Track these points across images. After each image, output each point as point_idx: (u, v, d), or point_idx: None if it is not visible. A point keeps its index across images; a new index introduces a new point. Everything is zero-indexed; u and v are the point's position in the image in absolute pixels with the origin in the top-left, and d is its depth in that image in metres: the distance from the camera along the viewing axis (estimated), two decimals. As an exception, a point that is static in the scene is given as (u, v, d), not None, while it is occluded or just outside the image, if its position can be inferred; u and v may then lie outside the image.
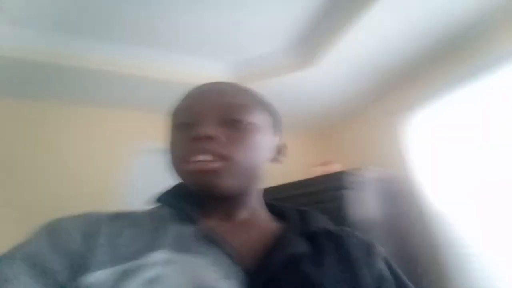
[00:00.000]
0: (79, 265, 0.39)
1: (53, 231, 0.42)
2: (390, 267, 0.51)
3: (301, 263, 0.45)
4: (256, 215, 0.54)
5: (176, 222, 0.47)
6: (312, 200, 1.87)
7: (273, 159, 0.57)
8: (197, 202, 0.51)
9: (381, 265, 0.50)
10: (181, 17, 1.81)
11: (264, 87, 2.26)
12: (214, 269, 0.41)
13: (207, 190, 0.47)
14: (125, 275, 0.38)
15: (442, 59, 2.06)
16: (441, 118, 2.01)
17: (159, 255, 0.40)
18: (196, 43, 2.03)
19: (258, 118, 0.52)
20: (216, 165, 0.45)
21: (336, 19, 1.82)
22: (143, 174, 2.20)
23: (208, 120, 0.48)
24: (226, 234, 0.47)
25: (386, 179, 2.09)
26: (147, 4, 1.70)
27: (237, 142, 0.48)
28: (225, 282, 0.39)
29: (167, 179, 0.56)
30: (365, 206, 1.83)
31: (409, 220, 2.04)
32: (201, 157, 0.46)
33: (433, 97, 2.06)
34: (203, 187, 0.47)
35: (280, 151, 0.60)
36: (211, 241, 0.44)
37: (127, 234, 0.44)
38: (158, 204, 0.53)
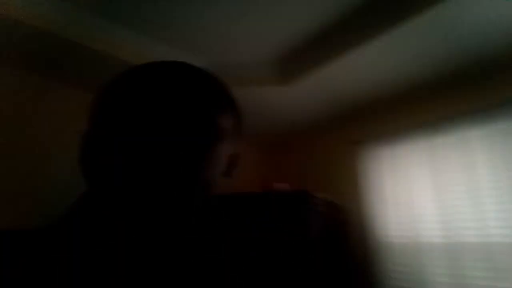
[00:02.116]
0: None
1: None
2: None
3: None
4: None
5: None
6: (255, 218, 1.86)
7: (225, 173, 0.45)
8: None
9: None
10: (174, 6, 1.67)
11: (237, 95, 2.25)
12: None
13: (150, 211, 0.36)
14: None
15: (412, 103, 2.25)
16: (405, 157, 2.19)
17: None
18: (183, 36, 1.91)
19: (226, 122, 0.41)
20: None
21: (324, 48, 1.88)
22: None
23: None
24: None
25: (334, 207, 2.19)
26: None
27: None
28: None
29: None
30: (311, 229, 1.85)
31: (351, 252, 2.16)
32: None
33: (402, 136, 2.25)
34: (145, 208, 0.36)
35: (233, 162, 0.47)
36: None
37: None
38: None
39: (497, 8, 1.42)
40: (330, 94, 2.23)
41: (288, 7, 1.63)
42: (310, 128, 2.79)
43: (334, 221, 2.13)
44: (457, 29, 1.57)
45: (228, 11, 1.68)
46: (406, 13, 1.51)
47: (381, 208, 2.18)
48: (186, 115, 0.36)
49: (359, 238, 2.21)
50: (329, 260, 1.92)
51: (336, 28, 1.76)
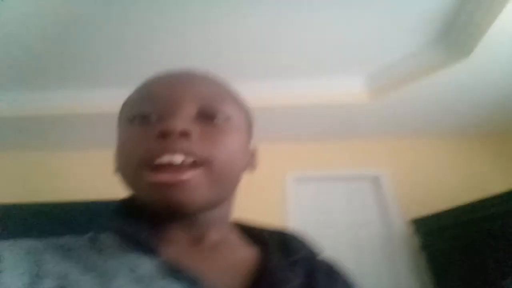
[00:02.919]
0: None
1: None
2: None
3: None
4: (229, 238, 0.44)
5: (128, 253, 0.34)
6: None
7: (247, 166, 0.46)
8: (154, 222, 0.38)
9: None
10: (309, 41, 1.84)
11: (411, 91, 2.09)
12: None
13: (175, 207, 0.34)
14: None
15: None
16: None
17: None
18: (327, 63, 2.04)
19: (236, 115, 0.42)
20: (187, 175, 0.34)
21: None
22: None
23: (181, 111, 0.37)
24: (196, 264, 0.35)
25: None
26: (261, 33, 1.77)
27: (216, 141, 0.37)
28: None
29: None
30: None
31: None
32: (170, 158, 0.34)
33: None
34: (168, 205, 0.34)
35: (253, 156, 0.49)
36: (182, 277, 0.32)
37: (75, 273, 0.30)
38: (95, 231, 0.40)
39: None
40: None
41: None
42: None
43: None
44: None
45: (358, 22, 1.72)
46: None
47: None
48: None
49: None
50: None
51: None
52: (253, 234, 0.47)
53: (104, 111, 2.11)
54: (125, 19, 1.69)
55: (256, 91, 2.06)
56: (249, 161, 0.47)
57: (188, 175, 0.34)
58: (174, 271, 0.32)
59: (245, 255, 0.41)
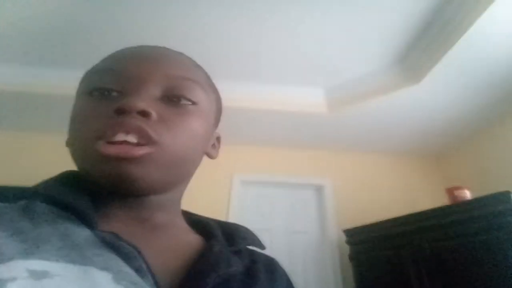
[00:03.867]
0: None
1: None
2: None
3: (233, 284, 0.35)
4: (175, 221, 0.42)
5: (63, 222, 0.31)
6: (450, 233, 1.67)
7: (207, 152, 0.46)
8: (95, 197, 0.35)
9: None
10: (275, 48, 1.89)
11: (365, 108, 2.20)
12: None
13: (121, 184, 0.33)
14: None
15: None
16: None
17: (34, 264, 0.24)
18: (290, 71, 2.09)
19: (205, 100, 0.41)
20: (142, 151, 0.33)
21: (441, 26, 1.66)
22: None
23: (144, 90, 0.36)
24: (137, 240, 0.32)
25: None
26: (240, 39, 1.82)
27: (173, 125, 0.36)
28: None
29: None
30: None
31: None
32: (124, 137, 0.32)
33: None
34: (117, 180, 0.33)
35: (215, 143, 0.49)
36: (118, 248, 0.29)
37: (1, 237, 0.27)
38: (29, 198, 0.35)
39: None
40: (472, 75, 1.86)
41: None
42: (463, 123, 2.36)
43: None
44: None
45: (323, 38, 1.81)
46: None
47: None
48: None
49: None
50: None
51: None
52: (199, 223, 0.46)
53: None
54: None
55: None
56: (211, 147, 0.46)
57: (141, 152, 0.32)
58: (111, 242, 0.29)
59: (190, 239, 0.40)
